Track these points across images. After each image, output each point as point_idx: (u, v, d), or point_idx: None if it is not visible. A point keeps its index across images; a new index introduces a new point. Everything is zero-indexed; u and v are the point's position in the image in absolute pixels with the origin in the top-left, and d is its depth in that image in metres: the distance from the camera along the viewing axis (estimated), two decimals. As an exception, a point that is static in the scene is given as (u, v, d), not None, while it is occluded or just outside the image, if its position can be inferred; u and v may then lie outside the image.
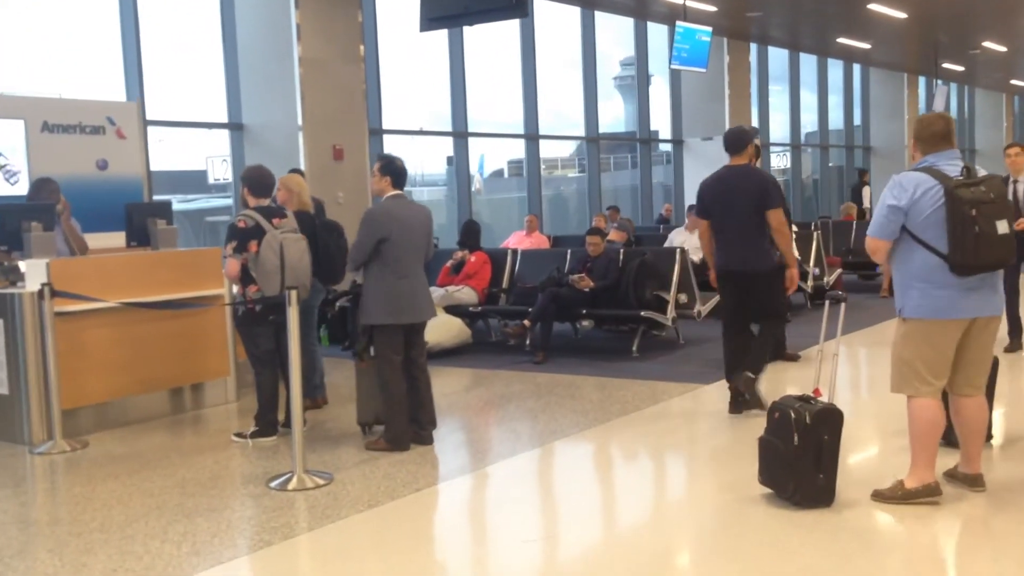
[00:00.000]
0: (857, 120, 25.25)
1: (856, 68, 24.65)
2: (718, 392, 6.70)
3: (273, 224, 5.78)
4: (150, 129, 9.76)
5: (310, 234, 6.14)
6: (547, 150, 16.14)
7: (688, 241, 10.72)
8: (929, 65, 23.31)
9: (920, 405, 4.30)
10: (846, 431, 4.43)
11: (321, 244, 6.29)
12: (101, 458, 5.77)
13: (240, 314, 5.95)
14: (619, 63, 19.27)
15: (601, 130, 16.63)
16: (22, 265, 6.34)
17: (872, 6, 16.11)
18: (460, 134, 13.80)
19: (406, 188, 5.89)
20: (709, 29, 14.19)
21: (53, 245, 6.54)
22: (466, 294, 9.34)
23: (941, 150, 4.30)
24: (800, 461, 4.31)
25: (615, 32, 17.38)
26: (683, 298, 8.82)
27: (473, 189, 14.70)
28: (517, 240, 11.75)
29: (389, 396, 5.65)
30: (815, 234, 11.18)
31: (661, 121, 18.41)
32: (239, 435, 6.03)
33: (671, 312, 8.58)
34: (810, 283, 10.74)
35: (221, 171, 11.93)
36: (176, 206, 11.98)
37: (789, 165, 22.21)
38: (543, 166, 15.82)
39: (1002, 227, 4.09)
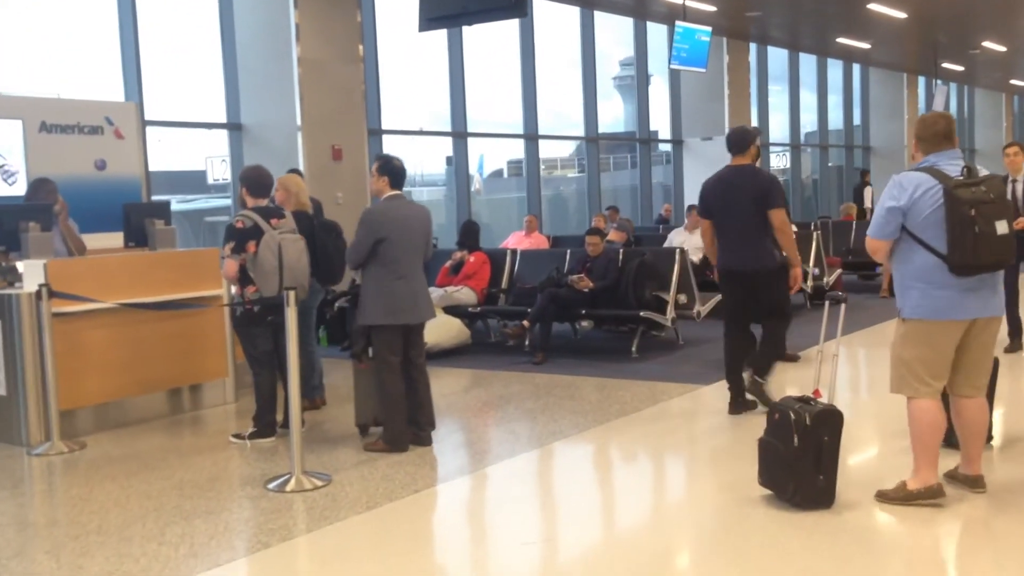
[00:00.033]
0: (857, 120, 25.24)
1: (856, 68, 24.64)
2: (718, 393, 6.69)
3: (271, 224, 5.76)
4: (149, 129, 9.75)
5: (308, 234, 6.12)
6: (546, 150, 16.12)
7: (688, 241, 10.72)
8: (929, 65, 23.31)
9: (919, 406, 4.29)
10: (846, 432, 4.41)
11: (319, 244, 6.27)
12: (99, 459, 5.75)
13: (238, 315, 5.93)
14: (618, 63, 19.26)
15: (600, 130, 16.61)
16: (20, 266, 6.32)
17: (872, 6, 16.10)
18: (459, 134, 13.78)
19: (405, 188, 5.87)
20: (708, 29, 14.18)
21: (51, 246, 6.52)
22: (465, 294, 9.33)
23: (943, 150, 4.29)
24: (800, 462, 4.30)
25: (614, 32, 17.37)
26: (683, 298, 8.81)
27: (472, 189, 14.68)
28: (516, 240, 11.73)
29: (387, 397, 5.63)
30: (815, 234, 11.17)
31: (660, 121, 18.40)
32: (237, 436, 6.01)
33: (670, 312, 8.57)
34: (810, 283, 10.73)
35: (220, 171, 11.92)
36: (175, 206, 11.98)
37: (789, 165, 22.20)
38: (542, 166, 15.81)
39: (1001, 227, 4.07)
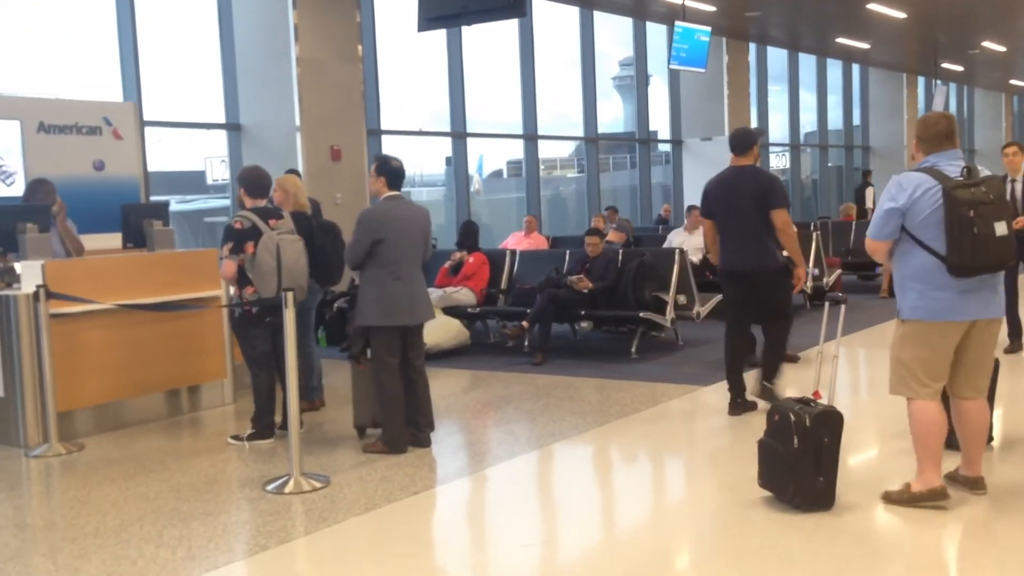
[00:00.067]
0: (856, 120, 25.25)
1: (855, 68, 24.64)
2: (717, 393, 6.68)
3: (270, 225, 5.75)
4: (147, 130, 9.73)
5: (307, 235, 6.10)
6: (546, 150, 16.12)
7: (687, 242, 10.71)
8: (928, 65, 23.31)
9: (919, 407, 4.27)
10: (846, 433, 4.40)
11: (318, 245, 6.26)
12: (97, 461, 5.73)
13: (236, 316, 5.91)
14: (618, 63, 19.26)
15: (600, 130, 16.60)
16: (17, 267, 6.31)
17: (871, 6, 16.09)
18: (459, 134, 13.77)
19: (405, 189, 5.86)
20: (708, 29, 14.17)
21: (49, 246, 6.50)
22: (464, 295, 9.31)
23: (943, 150, 4.27)
24: (800, 464, 4.28)
25: (614, 32, 17.37)
26: (682, 299, 8.80)
27: (472, 189, 14.67)
28: (516, 241, 11.72)
29: (386, 398, 5.62)
30: (814, 234, 11.15)
31: (660, 121, 18.39)
32: (236, 438, 5.99)
33: (670, 313, 8.56)
34: (809, 284, 10.71)
35: (219, 172, 11.91)
36: (175, 207, 11.99)
37: (788, 165, 22.20)
38: (542, 166, 15.80)
39: (1000, 228, 4.05)
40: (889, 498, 4.38)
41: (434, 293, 8.84)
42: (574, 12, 15.76)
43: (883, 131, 25.16)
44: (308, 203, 6.63)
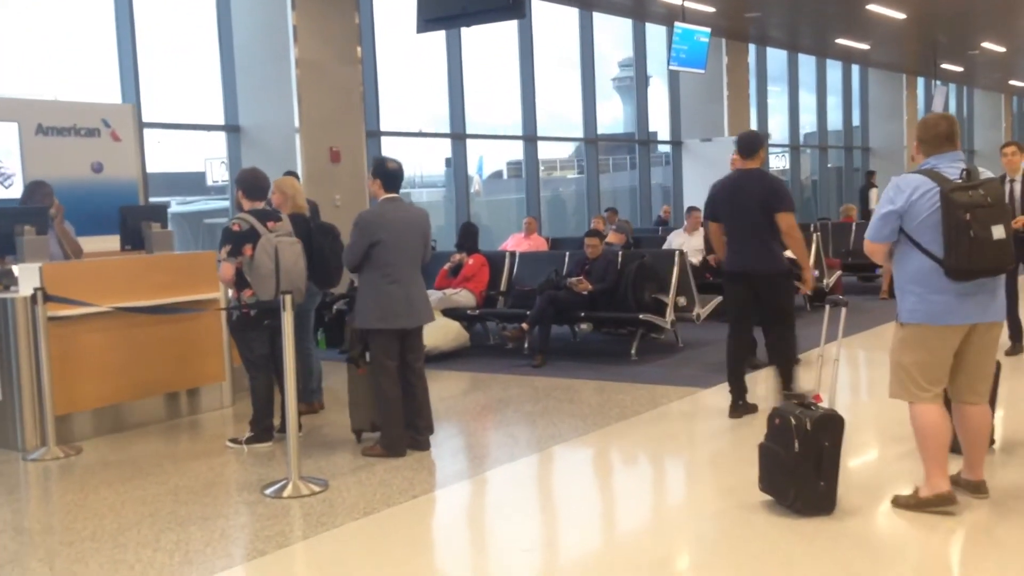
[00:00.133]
0: (856, 121, 25.23)
1: (855, 69, 24.63)
2: (718, 396, 6.66)
3: (268, 228, 5.72)
4: (147, 131, 9.71)
5: (305, 237, 6.08)
6: (546, 151, 16.11)
7: (687, 243, 10.69)
8: (928, 66, 23.30)
9: (920, 411, 4.25)
10: (847, 437, 4.38)
11: (316, 247, 6.24)
12: (95, 464, 5.71)
13: (235, 319, 5.89)
14: (617, 64, 19.23)
15: (600, 131, 16.59)
16: (15, 269, 6.28)
17: (871, 7, 16.08)
18: (458, 136, 13.75)
19: (404, 190, 5.83)
20: (707, 30, 14.16)
21: (46, 249, 6.48)
22: (464, 297, 9.29)
23: (944, 152, 4.25)
24: (801, 468, 4.26)
25: (613, 33, 17.35)
26: (682, 301, 8.78)
27: (472, 190, 14.66)
28: (515, 242, 11.70)
29: (384, 401, 5.59)
30: (814, 236, 11.13)
31: (660, 122, 18.38)
32: (234, 441, 5.97)
33: (670, 315, 8.53)
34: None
35: (219, 173, 11.90)
36: (175, 208, 11.98)
37: (788, 166, 22.18)
38: (542, 167, 15.79)
39: (998, 232, 4.02)
40: (898, 503, 4.36)
41: (433, 295, 8.82)
42: (573, 13, 15.75)
43: (883, 132, 25.15)
44: (306, 205, 6.62)
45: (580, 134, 16.22)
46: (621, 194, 18.22)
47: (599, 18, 16.18)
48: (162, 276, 6.69)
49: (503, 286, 9.60)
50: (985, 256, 4.02)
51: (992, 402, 4.70)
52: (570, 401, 6.94)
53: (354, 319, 5.75)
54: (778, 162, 22.17)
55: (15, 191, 7.80)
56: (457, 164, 14.02)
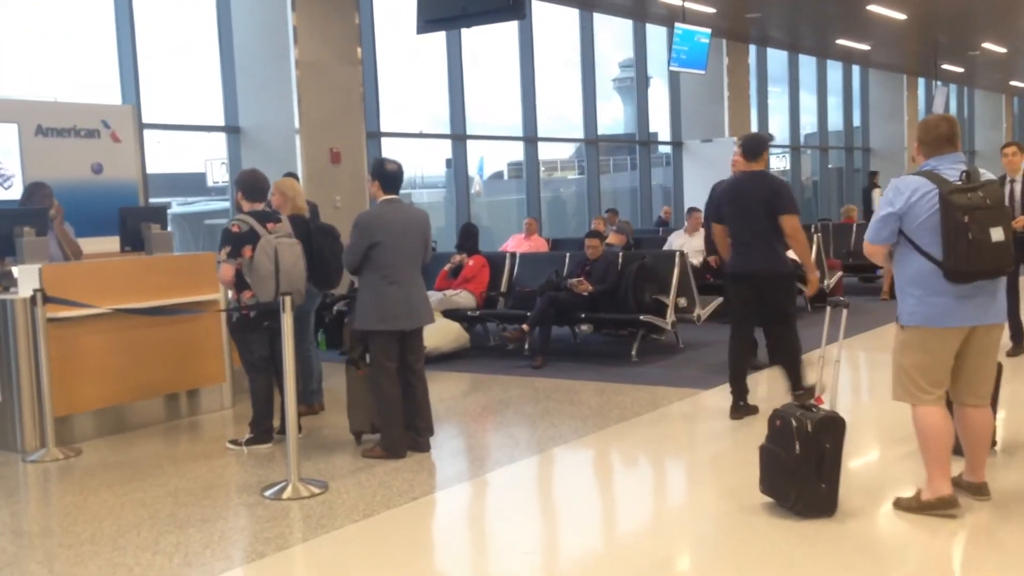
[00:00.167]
0: (857, 122, 25.21)
1: (855, 69, 24.61)
2: (718, 397, 6.65)
3: (268, 229, 5.71)
4: (147, 132, 9.71)
5: (305, 238, 6.07)
6: (546, 152, 16.10)
7: (688, 244, 10.67)
8: (929, 66, 23.29)
9: (922, 414, 4.23)
10: (848, 439, 4.36)
11: (316, 248, 6.23)
12: (94, 466, 5.70)
13: (234, 320, 5.88)
14: (618, 65, 19.22)
15: (600, 132, 16.58)
16: (15, 270, 6.27)
17: (871, 7, 16.07)
18: (459, 137, 13.75)
19: (405, 190, 5.82)
20: (708, 31, 14.15)
21: (46, 250, 6.47)
22: (464, 298, 9.28)
23: (944, 153, 4.23)
24: (802, 470, 4.25)
25: (614, 34, 17.34)
26: (683, 302, 8.76)
27: (473, 191, 14.65)
28: (516, 243, 11.69)
29: (384, 402, 5.58)
30: (815, 236, 11.12)
31: (660, 123, 18.36)
32: (234, 442, 5.96)
33: (670, 316, 8.52)
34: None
35: (220, 174, 11.90)
36: (175, 209, 11.98)
37: (789, 167, 22.17)
38: (542, 168, 15.78)
39: (996, 234, 4.00)
40: (899, 505, 4.35)
41: (434, 296, 8.81)
42: (574, 14, 15.74)
43: (883, 133, 25.14)
44: (306, 206, 6.61)
45: (581, 135, 16.21)
46: (622, 195, 18.21)
47: (599, 19, 16.17)
48: (162, 277, 6.68)
49: (503, 287, 9.59)
50: (984, 258, 4.01)
51: (994, 404, 4.68)
52: (570, 402, 6.93)
53: (353, 321, 5.75)
54: (779, 163, 22.15)
55: (15, 192, 7.79)
56: (457, 165, 14.01)
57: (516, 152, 15.57)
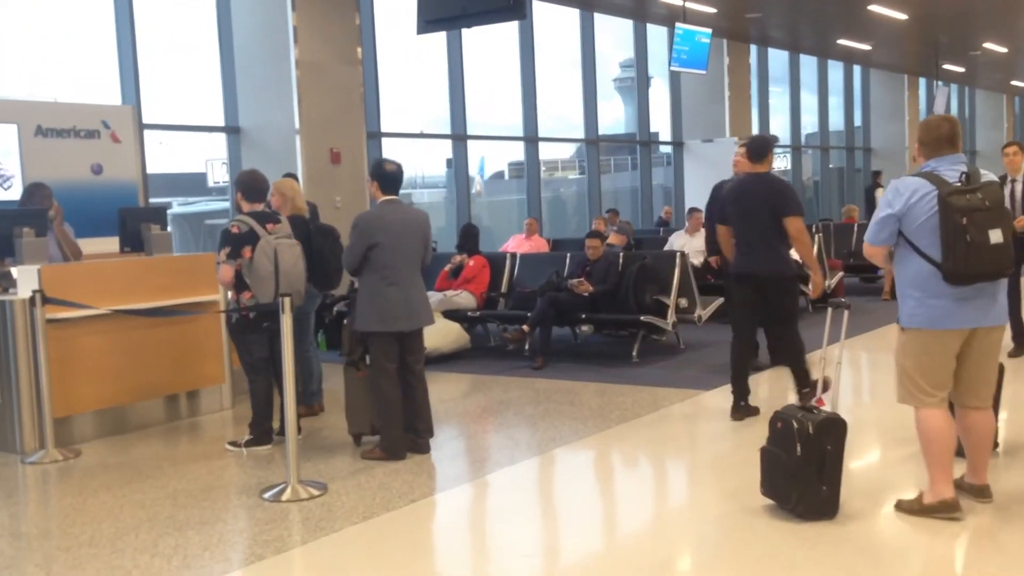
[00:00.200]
0: (858, 121, 25.19)
1: (856, 69, 24.59)
2: (719, 398, 6.63)
3: (267, 230, 5.70)
4: (148, 132, 9.69)
5: (305, 239, 6.06)
6: (547, 152, 16.08)
7: (688, 244, 10.65)
8: (930, 66, 23.26)
9: (924, 416, 4.22)
10: (849, 440, 4.35)
11: (316, 249, 6.22)
12: (94, 467, 5.69)
13: (234, 321, 5.87)
14: (619, 65, 19.22)
15: (601, 132, 16.56)
16: (14, 271, 6.26)
17: (872, 7, 16.05)
18: (459, 137, 13.73)
19: (406, 190, 5.80)
20: (709, 31, 14.13)
21: (45, 251, 6.46)
22: (464, 298, 9.27)
23: (945, 154, 4.21)
24: (803, 472, 4.23)
25: (614, 34, 17.32)
26: (683, 302, 8.75)
27: (473, 191, 14.64)
28: (516, 243, 11.68)
29: (384, 404, 5.56)
30: (816, 236, 11.09)
31: (661, 123, 18.35)
32: (233, 444, 5.94)
33: (671, 316, 8.51)
34: (811, 286, 10.64)
35: (220, 174, 11.89)
36: (176, 209, 11.97)
37: (789, 167, 22.14)
38: (543, 168, 15.76)
39: (995, 236, 3.97)
40: (901, 507, 4.33)
41: (434, 296, 8.80)
42: (574, 14, 15.72)
43: (884, 133, 25.12)
44: (306, 207, 6.59)
45: (581, 135, 16.19)
46: (622, 195, 18.19)
47: (600, 19, 16.15)
48: (161, 278, 6.67)
49: (504, 288, 9.57)
50: (983, 260, 3.99)
51: (995, 405, 4.66)
52: (571, 403, 6.92)
53: (352, 322, 5.73)
54: (780, 163, 22.12)
55: (14, 193, 7.78)
56: (458, 165, 13.99)
57: (517, 152, 15.56)
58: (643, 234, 13.19)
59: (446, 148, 14.12)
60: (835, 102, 23.96)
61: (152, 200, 9.63)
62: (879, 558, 3.94)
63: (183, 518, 4.67)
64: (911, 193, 4.12)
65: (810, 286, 6.91)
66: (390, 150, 12.54)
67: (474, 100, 13.80)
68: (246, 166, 9.64)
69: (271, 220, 5.81)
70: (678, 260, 8.81)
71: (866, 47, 20.59)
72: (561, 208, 17.43)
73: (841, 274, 11.70)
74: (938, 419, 4.20)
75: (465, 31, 12.51)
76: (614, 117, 19.27)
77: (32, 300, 5.87)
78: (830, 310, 4.88)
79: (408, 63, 13.28)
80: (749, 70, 19.25)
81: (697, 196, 14.28)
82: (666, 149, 18.91)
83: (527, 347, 8.72)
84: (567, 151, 17.69)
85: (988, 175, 4.22)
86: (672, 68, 14.23)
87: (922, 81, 26.21)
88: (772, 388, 7.12)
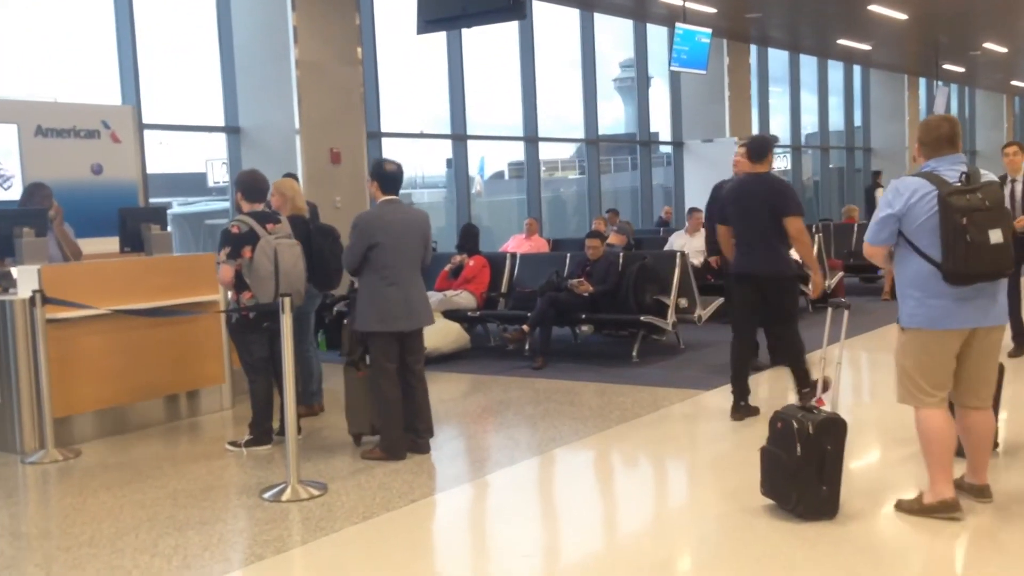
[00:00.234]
0: (858, 121, 25.19)
1: (856, 69, 24.58)
2: (719, 398, 6.63)
3: (267, 230, 5.70)
4: (149, 132, 9.69)
5: (305, 239, 6.06)
6: (547, 152, 16.08)
7: (688, 244, 10.65)
8: (930, 66, 23.26)
9: (925, 417, 4.21)
10: (849, 440, 4.35)
11: (316, 249, 6.22)
12: (94, 468, 5.69)
13: (234, 321, 5.86)
14: (619, 65, 19.21)
15: (601, 132, 16.56)
16: (14, 271, 6.26)
17: (872, 7, 16.04)
18: (459, 137, 13.73)
19: (406, 190, 5.81)
20: (709, 31, 14.13)
21: (45, 251, 6.46)
22: (464, 298, 9.27)
23: (944, 154, 4.21)
24: (803, 472, 4.23)
25: (614, 34, 17.32)
26: (683, 302, 8.75)
27: (473, 191, 14.63)
28: (516, 243, 11.67)
29: (384, 404, 5.56)
30: (816, 236, 11.08)
31: (661, 123, 18.35)
32: (233, 444, 5.94)
33: (671, 316, 8.50)
34: (811, 286, 10.63)
35: (220, 174, 11.89)
36: (176, 209, 11.97)
37: (789, 167, 22.14)
38: (543, 168, 15.75)
39: (995, 236, 3.97)
40: (901, 507, 4.33)
41: (434, 296, 8.80)
42: (574, 14, 15.72)
43: (885, 132, 25.11)
44: (306, 207, 6.59)
45: (581, 135, 16.19)
46: (622, 195, 18.19)
47: (600, 19, 16.15)
48: (161, 278, 6.67)
49: (504, 288, 9.57)
50: (982, 260, 3.98)
51: (995, 405, 4.66)
52: (571, 403, 6.91)
53: (352, 322, 5.73)
54: (780, 163, 22.12)
55: (14, 193, 7.77)
56: (458, 165, 13.99)
57: (517, 151, 15.56)
58: (643, 234, 13.19)
59: (446, 148, 14.12)
60: (835, 102, 23.96)
61: (152, 200, 9.63)
62: (879, 558, 3.94)
63: (183, 518, 4.67)
64: (911, 193, 4.12)
65: (810, 286, 6.90)
66: (390, 150, 12.54)
67: (474, 100, 13.80)
68: (246, 166, 9.64)
69: (271, 220, 5.81)
70: (678, 260, 8.81)
71: (866, 47, 20.59)
72: (561, 208, 17.43)
73: (841, 274, 11.70)
74: (938, 419, 4.20)
75: (465, 31, 12.51)
76: (614, 117, 19.28)
77: (32, 300, 5.87)
78: (830, 310, 4.88)
79: (408, 63, 13.28)
80: (749, 70, 19.25)
81: (697, 196, 14.27)
82: (666, 149, 18.91)
83: (527, 347, 8.72)
84: (567, 151, 17.69)
85: (988, 175, 4.21)
86: (672, 68, 14.23)
87: (922, 81, 26.21)
88: (772, 388, 7.12)
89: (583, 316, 8.67)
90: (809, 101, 22.68)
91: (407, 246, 5.56)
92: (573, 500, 4.98)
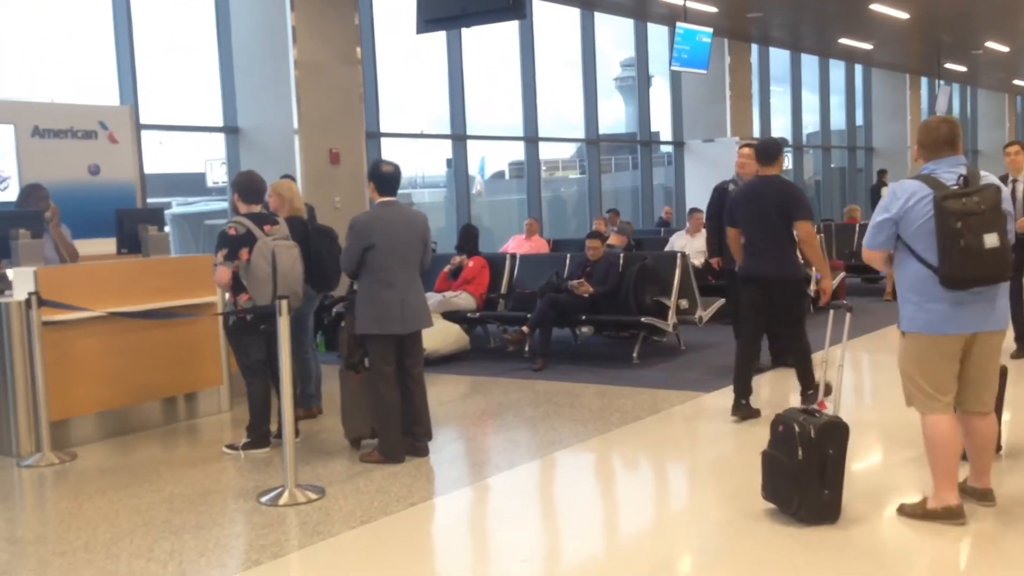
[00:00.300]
0: (859, 121, 25.14)
1: (858, 69, 24.55)
2: (720, 400, 6.59)
3: (265, 231, 5.66)
4: (146, 132, 9.65)
5: (303, 240, 6.02)
6: (548, 151, 16.04)
7: (689, 245, 10.62)
8: (931, 66, 23.20)
9: (931, 422, 4.17)
10: (851, 443, 4.31)
11: (313, 250, 6.18)
12: (90, 471, 5.65)
13: (231, 323, 5.83)
14: (619, 64, 19.17)
15: (601, 132, 16.52)
16: (10, 273, 6.22)
17: (874, 6, 16.00)
18: (459, 137, 13.69)
19: (406, 190, 5.77)
20: (710, 30, 14.09)
21: (41, 253, 6.43)
22: (464, 300, 9.23)
23: (944, 156, 4.16)
24: (804, 476, 4.19)
25: (615, 33, 17.29)
26: (684, 303, 8.70)
27: (474, 191, 14.60)
28: (516, 244, 11.64)
29: (382, 407, 5.52)
30: (818, 237, 11.03)
31: (662, 123, 18.31)
32: (231, 447, 5.90)
33: (672, 318, 8.46)
34: (813, 287, 10.59)
35: (219, 174, 11.86)
36: (175, 209, 11.94)
37: (791, 166, 22.09)
38: (544, 167, 15.72)
39: (990, 240, 3.91)
40: (904, 511, 4.29)
41: (433, 297, 8.76)
42: (574, 13, 15.68)
43: (886, 132, 25.07)
44: (304, 208, 6.56)
45: (582, 135, 16.15)
46: (623, 194, 18.15)
47: (600, 18, 16.11)
48: (158, 280, 6.63)
49: (504, 289, 9.53)
50: (978, 265, 3.93)
51: (998, 408, 4.62)
52: (571, 405, 6.87)
53: (350, 325, 5.69)
54: (781, 162, 22.05)
55: (11, 194, 7.74)
56: (458, 165, 13.96)
57: (517, 151, 15.52)
58: (644, 234, 13.15)
59: (446, 148, 14.08)
60: (836, 101, 23.92)
61: (151, 200, 9.60)
62: (881, 562, 3.90)
63: (179, 522, 4.63)
64: (908, 196, 4.08)
65: (815, 289, 6.85)
66: (390, 150, 12.50)
67: (474, 100, 13.76)
68: (245, 166, 9.62)
69: (268, 221, 5.77)
70: (679, 261, 8.77)
71: (868, 46, 20.54)
72: (561, 208, 17.39)
73: (843, 275, 11.64)
74: (944, 425, 4.15)
75: (465, 31, 12.47)
76: (615, 117, 19.24)
77: (28, 302, 5.83)
78: (832, 312, 4.84)
79: (408, 63, 13.24)
80: (750, 69, 19.21)
81: (698, 196, 14.24)
82: (667, 149, 18.87)
83: (527, 348, 8.68)
84: (567, 151, 17.65)
85: (989, 176, 4.16)
86: (673, 67, 14.19)
87: (924, 80, 26.16)
88: (773, 390, 7.08)
89: (583, 317, 8.63)
90: (810, 100, 22.65)
91: (405, 248, 5.51)
92: (573, 503, 4.94)
